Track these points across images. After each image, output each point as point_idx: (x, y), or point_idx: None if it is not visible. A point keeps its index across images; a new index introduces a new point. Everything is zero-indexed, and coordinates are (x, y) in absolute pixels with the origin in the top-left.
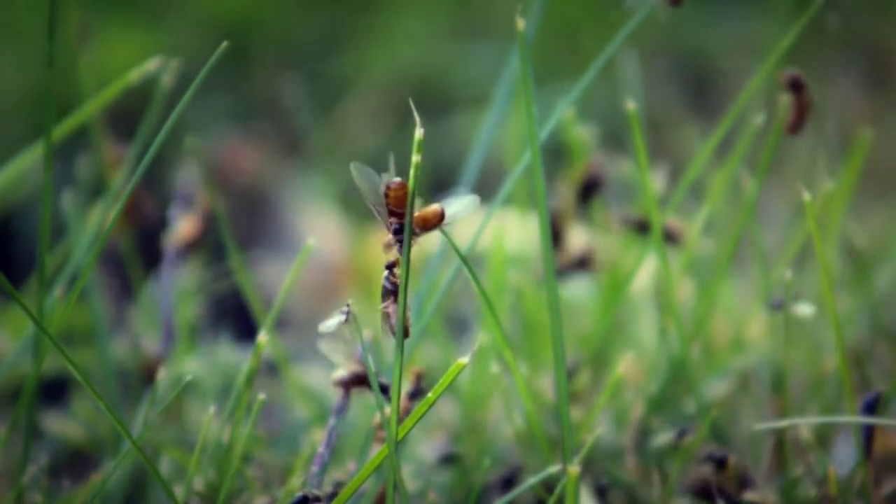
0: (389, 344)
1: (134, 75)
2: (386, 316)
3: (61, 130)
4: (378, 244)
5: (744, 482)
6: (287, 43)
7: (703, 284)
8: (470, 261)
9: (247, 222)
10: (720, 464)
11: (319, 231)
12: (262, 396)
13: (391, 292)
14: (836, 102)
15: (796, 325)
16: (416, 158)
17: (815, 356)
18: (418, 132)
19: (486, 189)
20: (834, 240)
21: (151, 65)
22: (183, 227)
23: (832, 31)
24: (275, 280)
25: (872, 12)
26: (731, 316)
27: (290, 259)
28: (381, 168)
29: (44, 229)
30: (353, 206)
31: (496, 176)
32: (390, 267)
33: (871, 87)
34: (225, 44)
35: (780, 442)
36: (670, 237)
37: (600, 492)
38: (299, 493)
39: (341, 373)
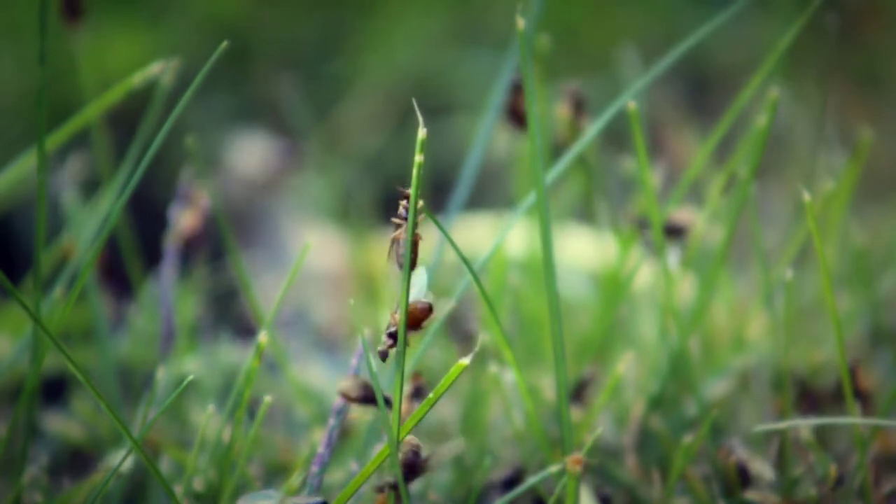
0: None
1: (137, 79)
2: (395, 244)
3: (62, 134)
4: (377, 250)
5: (745, 481)
6: (287, 43)
7: (703, 275)
8: (470, 262)
9: (242, 233)
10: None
11: (317, 244)
12: (268, 398)
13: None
14: (836, 102)
15: (797, 324)
16: (418, 158)
17: (814, 354)
18: (421, 132)
19: (484, 190)
20: (834, 239)
21: (155, 68)
22: (183, 222)
23: (832, 31)
24: (271, 289)
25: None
26: (730, 312)
27: (286, 268)
28: (380, 168)
29: (39, 229)
30: (353, 208)
31: (496, 176)
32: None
33: (870, 86)
34: (225, 43)
35: (781, 441)
36: (676, 231)
37: (603, 501)
38: (319, 499)
39: (346, 385)
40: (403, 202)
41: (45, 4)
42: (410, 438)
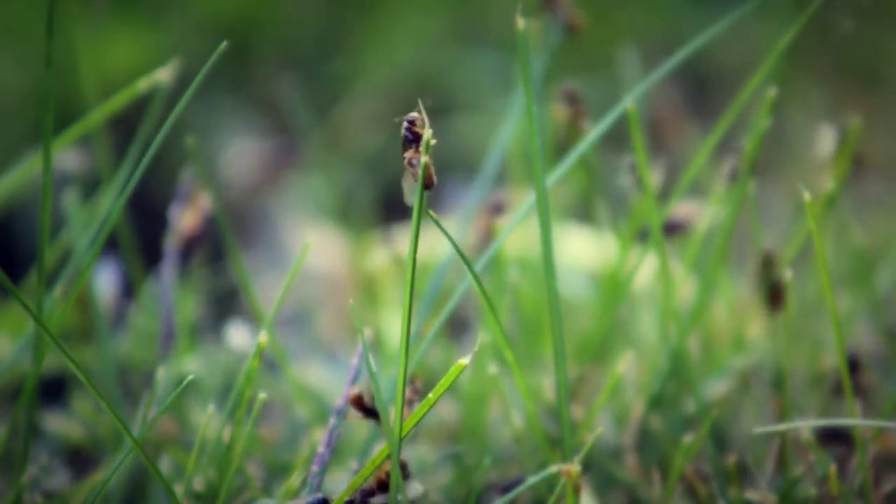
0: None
1: (142, 84)
2: (408, 167)
3: (65, 139)
4: (378, 252)
5: (744, 481)
6: (287, 43)
7: (703, 275)
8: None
9: (242, 233)
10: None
11: (317, 245)
12: (262, 395)
13: (411, 142)
14: (836, 102)
15: (797, 323)
16: (424, 159)
17: (815, 354)
18: (426, 132)
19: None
20: (831, 235)
21: (162, 74)
22: (183, 222)
23: (840, 32)
24: (271, 289)
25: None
26: (730, 312)
27: (286, 268)
28: (380, 168)
29: (43, 230)
30: (353, 208)
31: (496, 176)
32: (411, 121)
33: (870, 86)
34: (224, 44)
35: (781, 441)
36: (676, 228)
37: None
38: (319, 496)
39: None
40: (413, 118)
41: (53, 2)
42: None
